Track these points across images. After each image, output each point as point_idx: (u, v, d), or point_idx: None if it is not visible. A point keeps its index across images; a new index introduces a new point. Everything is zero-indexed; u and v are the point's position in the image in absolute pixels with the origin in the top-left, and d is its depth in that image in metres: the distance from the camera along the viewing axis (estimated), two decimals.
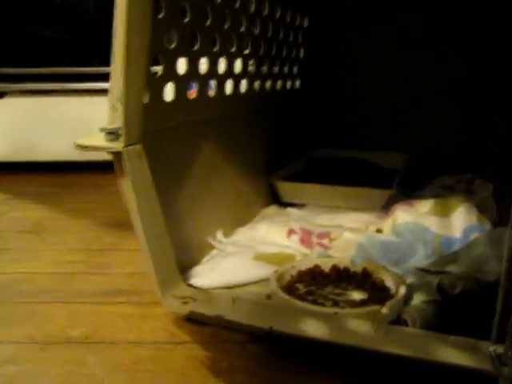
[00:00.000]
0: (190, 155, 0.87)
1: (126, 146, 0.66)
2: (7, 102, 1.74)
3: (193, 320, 0.74)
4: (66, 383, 0.62)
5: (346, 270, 0.82)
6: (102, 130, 0.66)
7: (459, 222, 0.93)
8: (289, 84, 1.38)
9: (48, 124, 1.75)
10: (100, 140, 0.66)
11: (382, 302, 0.68)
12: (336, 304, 0.73)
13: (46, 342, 0.72)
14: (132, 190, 0.67)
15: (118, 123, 0.65)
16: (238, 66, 1.03)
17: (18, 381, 0.63)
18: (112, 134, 0.65)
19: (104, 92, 1.56)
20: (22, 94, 1.74)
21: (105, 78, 1.57)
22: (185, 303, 0.72)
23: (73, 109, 1.73)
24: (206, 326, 0.73)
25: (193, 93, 0.88)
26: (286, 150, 1.33)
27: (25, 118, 1.76)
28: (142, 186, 0.70)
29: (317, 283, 0.80)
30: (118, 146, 0.66)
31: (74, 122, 1.69)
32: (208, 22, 0.88)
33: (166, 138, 0.80)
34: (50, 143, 1.77)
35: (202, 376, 0.63)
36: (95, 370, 0.65)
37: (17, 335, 0.74)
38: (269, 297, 0.76)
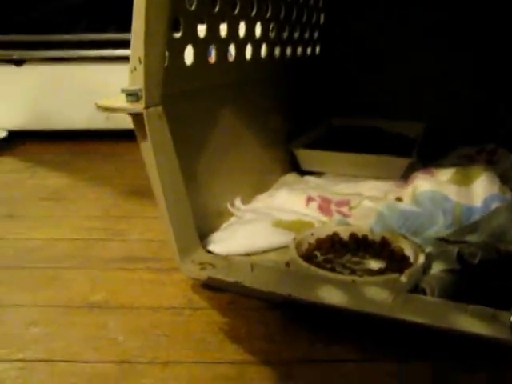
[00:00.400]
0: (209, 120, 0.87)
1: (147, 107, 0.66)
2: (26, 69, 1.74)
3: (211, 286, 0.74)
4: (87, 346, 0.63)
5: (365, 238, 0.82)
6: (123, 90, 0.65)
7: (480, 191, 0.92)
8: (309, 50, 1.37)
9: (67, 92, 1.75)
10: (121, 101, 0.66)
11: (400, 271, 0.68)
12: (354, 272, 0.73)
13: (68, 306, 0.72)
14: (152, 153, 0.67)
15: (139, 84, 0.65)
16: (258, 30, 1.02)
17: (41, 342, 0.64)
18: (132, 96, 0.65)
19: (123, 59, 1.56)
20: (41, 62, 1.73)
21: (123, 45, 1.57)
22: (203, 269, 0.73)
23: (92, 76, 1.73)
24: (224, 293, 0.73)
25: (211, 59, 0.88)
26: (305, 117, 1.33)
27: (44, 85, 1.76)
28: (163, 148, 0.70)
29: (335, 251, 0.79)
30: (139, 107, 0.65)
31: (93, 89, 1.69)
32: None
33: (185, 102, 0.79)
34: (69, 111, 1.78)
35: (220, 342, 0.63)
36: (116, 333, 0.65)
37: (40, 299, 0.74)
38: (287, 264, 0.76)
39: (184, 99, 0.79)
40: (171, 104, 0.72)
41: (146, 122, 0.66)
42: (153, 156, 0.67)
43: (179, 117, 0.76)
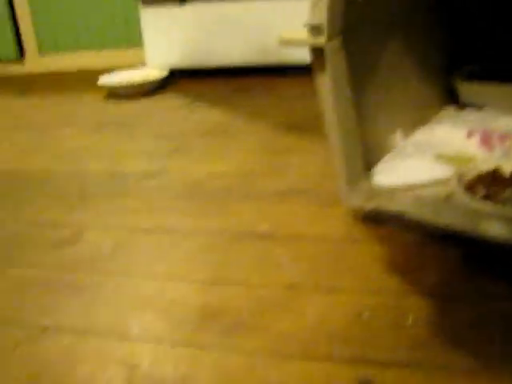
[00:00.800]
0: (375, 53, 0.87)
1: (328, 40, 0.68)
2: (188, 8, 1.79)
3: (371, 220, 0.76)
4: (255, 271, 0.68)
5: None
6: (306, 24, 0.67)
7: None
8: None
9: (228, 29, 1.78)
10: (303, 35, 0.68)
11: None
12: None
13: (235, 235, 0.77)
14: (331, 85, 0.69)
15: (321, 19, 0.67)
16: None
17: (212, 266, 0.70)
18: (314, 30, 0.67)
19: None
20: (203, 0, 1.77)
21: None
22: (368, 200, 0.74)
23: (252, 13, 1.73)
24: (383, 227, 0.75)
25: None
26: (466, 48, 1.28)
27: (205, 24, 1.79)
28: (340, 82, 0.71)
29: (497, 185, 0.78)
30: (321, 40, 0.67)
31: (253, 26, 1.71)
32: None
33: (356, 35, 0.80)
34: (228, 48, 1.80)
35: (379, 272, 0.65)
36: (281, 261, 0.69)
37: (209, 228, 0.80)
38: (448, 197, 0.76)
39: (356, 32, 0.79)
40: (346, 37, 0.73)
41: (327, 55, 0.67)
42: (331, 88, 0.69)
43: (353, 50, 0.77)
